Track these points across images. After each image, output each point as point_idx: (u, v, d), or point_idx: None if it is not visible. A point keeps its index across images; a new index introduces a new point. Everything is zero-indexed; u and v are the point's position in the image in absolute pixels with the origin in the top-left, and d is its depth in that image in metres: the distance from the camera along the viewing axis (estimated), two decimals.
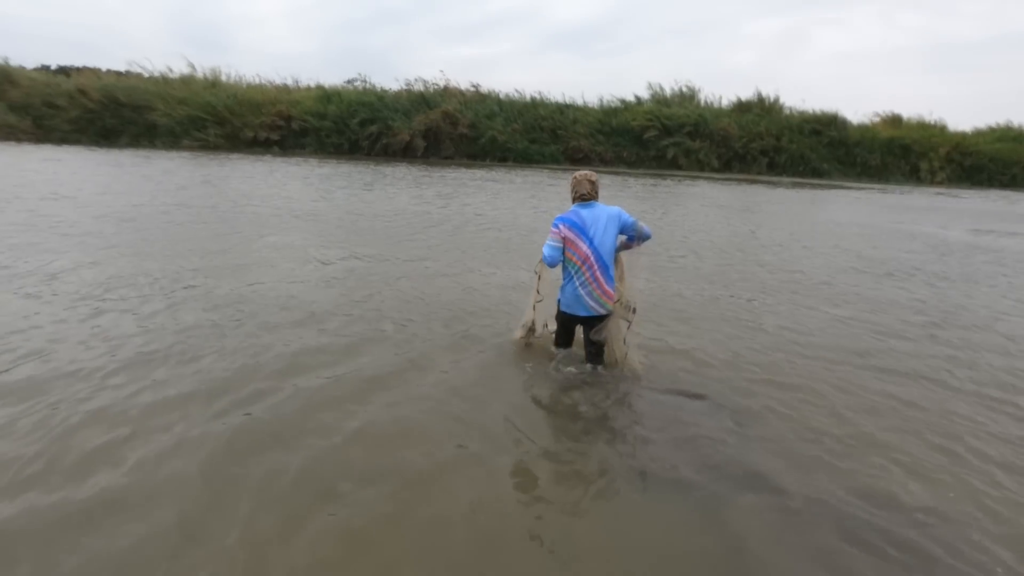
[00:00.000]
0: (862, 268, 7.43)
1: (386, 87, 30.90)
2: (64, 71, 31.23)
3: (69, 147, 22.63)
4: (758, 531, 2.24)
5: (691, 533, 2.24)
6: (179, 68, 30.21)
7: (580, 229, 3.28)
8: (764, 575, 2.05)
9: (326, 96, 28.25)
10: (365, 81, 31.17)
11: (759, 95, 31.74)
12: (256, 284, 5.26)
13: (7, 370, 3.29)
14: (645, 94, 32.00)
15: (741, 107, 31.50)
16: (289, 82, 31.32)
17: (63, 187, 10.97)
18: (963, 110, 72.54)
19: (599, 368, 3.52)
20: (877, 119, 32.87)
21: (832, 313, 5.25)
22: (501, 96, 30.36)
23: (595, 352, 3.50)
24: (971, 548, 2.18)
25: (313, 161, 22.35)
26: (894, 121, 32.59)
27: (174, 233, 7.38)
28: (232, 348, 3.76)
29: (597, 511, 2.35)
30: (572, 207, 3.40)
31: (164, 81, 28.41)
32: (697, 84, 33.33)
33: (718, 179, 24.55)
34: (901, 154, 30.32)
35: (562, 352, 3.69)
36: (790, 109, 31.43)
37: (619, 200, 13.54)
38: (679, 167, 28.48)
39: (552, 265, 3.40)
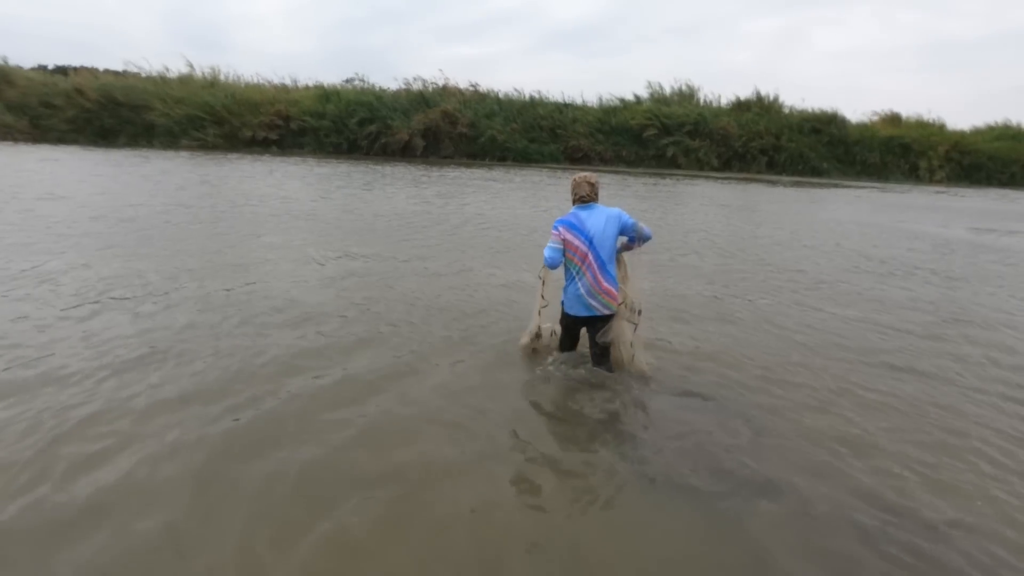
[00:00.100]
0: (867, 268, 7.38)
1: (385, 86, 30.88)
2: (61, 71, 31.09)
3: (66, 147, 22.52)
4: (782, 541, 2.16)
5: (711, 543, 2.16)
6: (177, 68, 30.18)
7: (580, 230, 3.27)
8: None
9: (325, 95, 28.16)
10: (363, 80, 31.13)
11: (758, 94, 31.70)
12: (254, 285, 5.19)
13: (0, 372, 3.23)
14: (644, 93, 31.96)
15: (740, 106, 31.43)
16: (288, 82, 31.30)
17: (60, 187, 10.88)
18: (961, 109, 72.44)
19: (605, 370, 3.47)
20: (876, 118, 32.86)
21: (838, 313, 5.19)
22: (500, 95, 30.30)
23: (601, 354, 3.45)
24: (991, 560, 2.12)
25: (312, 161, 22.27)
26: (893, 120, 32.56)
27: (172, 233, 7.31)
28: (229, 350, 3.69)
29: (606, 520, 2.28)
30: (572, 209, 3.39)
31: (162, 81, 28.30)
32: (696, 83, 33.15)
33: (718, 178, 24.50)
34: (900, 153, 30.26)
35: (566, 355, 3.63)
36: (789, 108, 31.42)
37: (620, 199, 13.49)
38: (678, 166, 28.42)
39: (553, 266, 3.38)
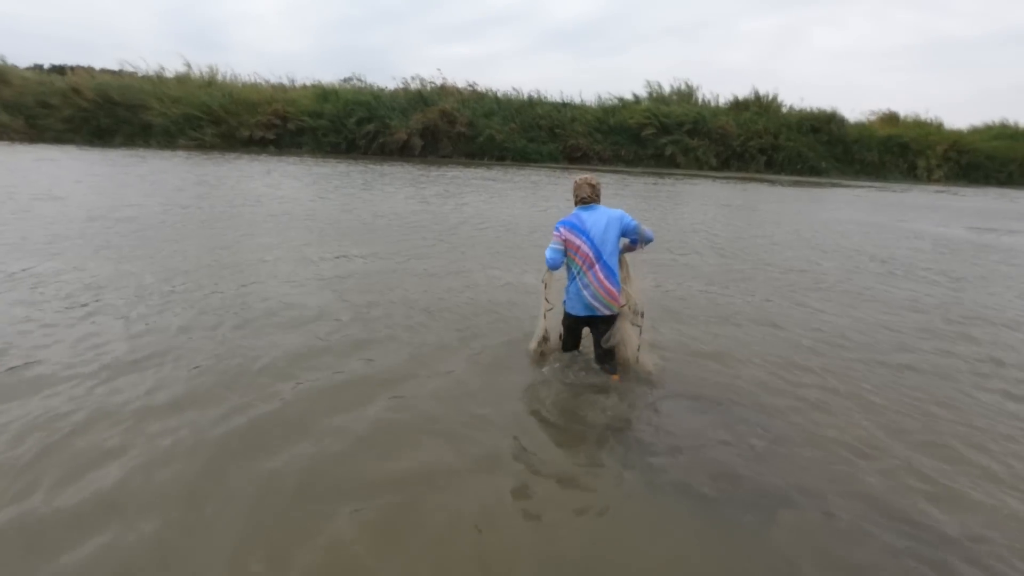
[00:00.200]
0: (871, 268, 7.33)
1: (383, 86, 30.71)
2: (58, 70, 30.89)
3: (63, 147, 22.37)
4: (803, 554, 2.09)
5: (729, 557, 2.09)
6: (174, 67, 29.87)
7: (581, 231, 3.28)
8: None
9: (323, 95, 27.99)
10: (361, 80, 30.97)
11: (756, 93, 31.62)
12: (251, 286, 5.11)
13: None
14: (643, 92, 31.85)
15: (739, 105, 31.37)
16: (285, 81, 31.07)
17: (56, 187, 10.78)
18: (959, 108, 72.69)
19: (610, 370, 3.43)
20: (874, 117, 32.86)
21: (844, 313, 5.14)
22: (499, 95, 30.15)
23: (605, 355, 3.43)
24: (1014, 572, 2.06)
25: (310, 160, 22.16)
26: (891, 119, 32.56)
27: (168, 234, 7.22)
28: (227, 352, 3.63)
29: (615, 532, 2.21)
30: (574, 210, 3.41)
31: (159, 80, 28.07)
32: (695, 82, 33.10)
33: (717, 177, 24.45)
34: (899, 152, 30.26)
35: (570, 355, 3.61)
36: (788, 107, 31.36)
37: (620, 199, 13.44)
38: (677, 165, 28.37)
39: (554, 268, 3.39)
